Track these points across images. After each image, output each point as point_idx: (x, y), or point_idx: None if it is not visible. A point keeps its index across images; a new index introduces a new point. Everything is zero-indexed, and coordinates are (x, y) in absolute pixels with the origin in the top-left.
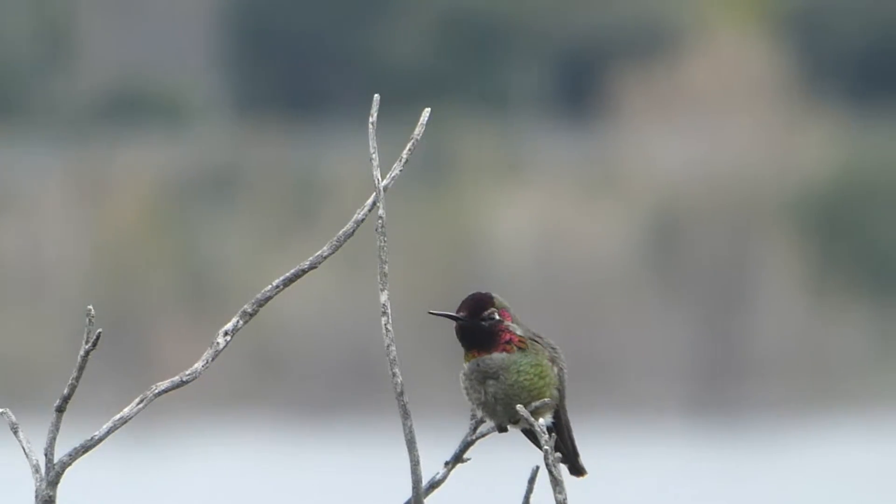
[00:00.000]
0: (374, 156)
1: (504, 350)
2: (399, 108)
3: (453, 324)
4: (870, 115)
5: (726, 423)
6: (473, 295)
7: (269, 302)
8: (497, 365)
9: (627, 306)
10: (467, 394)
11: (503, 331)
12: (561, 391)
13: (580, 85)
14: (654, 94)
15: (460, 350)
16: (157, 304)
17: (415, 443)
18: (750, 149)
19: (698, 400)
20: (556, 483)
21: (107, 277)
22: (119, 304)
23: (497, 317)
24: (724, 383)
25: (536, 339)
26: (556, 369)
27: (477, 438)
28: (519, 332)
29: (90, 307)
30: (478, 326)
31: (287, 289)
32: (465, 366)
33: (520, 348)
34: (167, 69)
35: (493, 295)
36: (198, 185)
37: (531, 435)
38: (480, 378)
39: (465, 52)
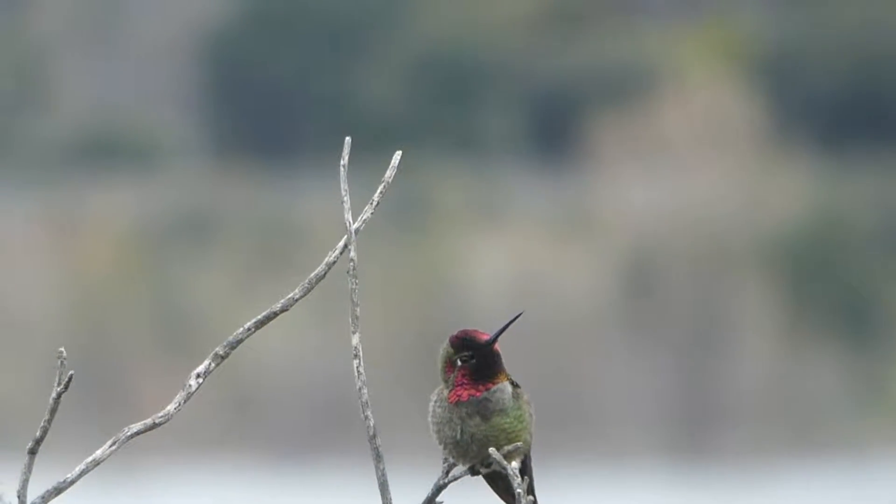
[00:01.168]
0: (345, 198)
1: (503, 381)
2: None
3: (434, 362)
4: (841, 160)
5: (702, 467)
6: (475, 330)
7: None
8: (501, 405)
9: (602, 350)
10: (438, 429)
11: (493, 362)
12: (531, 438)
13: (555, 129)
14: (629, 138)
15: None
16: (131, 346)
17: (387, 486)
18: (723, 193)
19: (673, 444)
20: None
21: (80, 320)
22: (93, 347)
23: (494, 345)
24: (700, 428)
25: (512, 383)
26: (529, 413)
27: (449, 482)
28: (500, 366)
29: (62, 349)
30: (497, 356)
31: (262, 331)
32: (450, 402)
33: (505, 384)
34: (140, 111)
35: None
36: (171, 228)
37: (492, 480)
38: (469, 413)
39: (440, 96)
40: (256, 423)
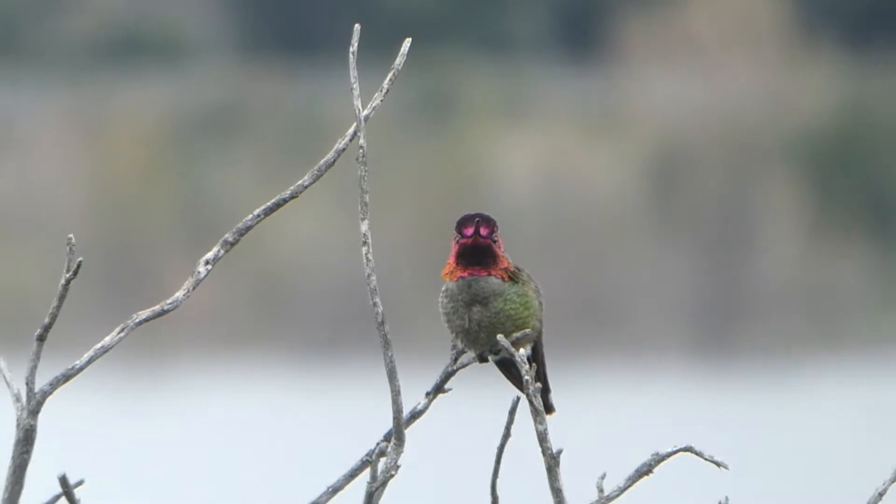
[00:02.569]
0: (354, 86)
1: (500, 276)
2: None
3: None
4: (868, 56)
5: (727, 362)
6: (482, 214)
7: (275, 242)
8: (490, 290)
9: (629, 246)
10: (447, 318)
11: (502, 256)
12: (540, 324)
13: (583, 26)
14: (657, 35)
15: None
16: (158, 240)
17: (395, 373)
18: (750, 90)
19: (699, 339)
20: (537, 413)
21: (107, 215)
22: (121, 242)
23: (495, 232)
24: (726, 322)
25: (521, 270)
26: (538, 301)
27: (458, 369)
28: (505, 256)
29: (71, 236)
30: (488, 244)
31: (291, 227)
32: (451, 285)
33: (510, 278)
34: (167, 8)
35: (492, 221)
36: (198, 124)
37: (505, 367)
38: (467, 301)
39: None
40: (284, 319)
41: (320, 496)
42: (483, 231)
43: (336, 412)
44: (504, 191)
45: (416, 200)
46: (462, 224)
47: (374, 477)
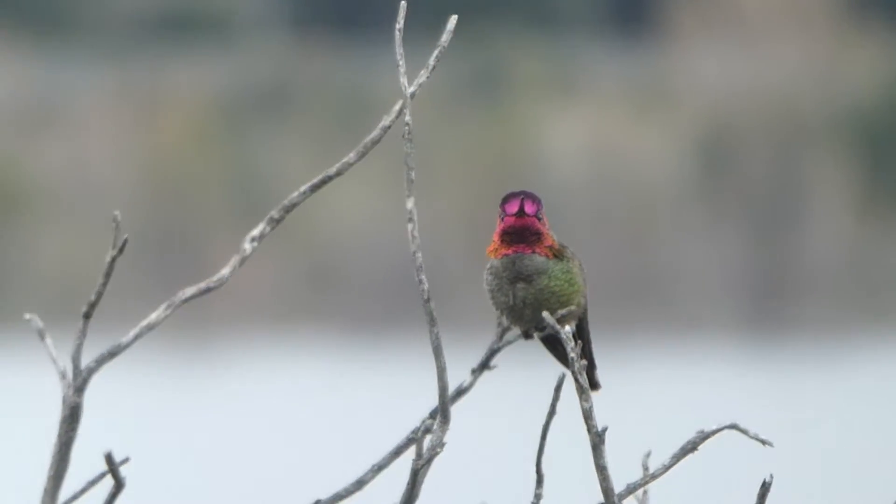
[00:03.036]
0: (400, 63)
1: (544, 253)
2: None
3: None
4: None
5: (775, 341)
6: (526, 192)
7: (330, 220)
8: (535, 267)
9: (677, 224)
10: (492, 295)
11: (546, 234)
12: (585, 302)
13: (632, 4)
14: (706, 13)
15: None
16: (209, 218)
17: (441, 349)
18: (799, 69)
19: (747, 317)
20: (583, 391)
21: (156, 193)
22: (168, 219)
23: (541, 211)
24: (775, 300)
25: (565, 247)
26: (582, 278)
27: (503, 346)
28: (550, 235)
29: (116, 213)
30: (533, 221)
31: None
32: (495, 262)
33: (555, 256)
34: None
35: (538, 199)
36: (248, 101)
37: (551, 344)
38: (512, 278)
39: None
40: (332, 295)
41: (365, 474)
42: (528, 208)
43: (383, 389)
44: (552, 168)
45: (463, 178)
46: (507, 201)
47: (419, 454)
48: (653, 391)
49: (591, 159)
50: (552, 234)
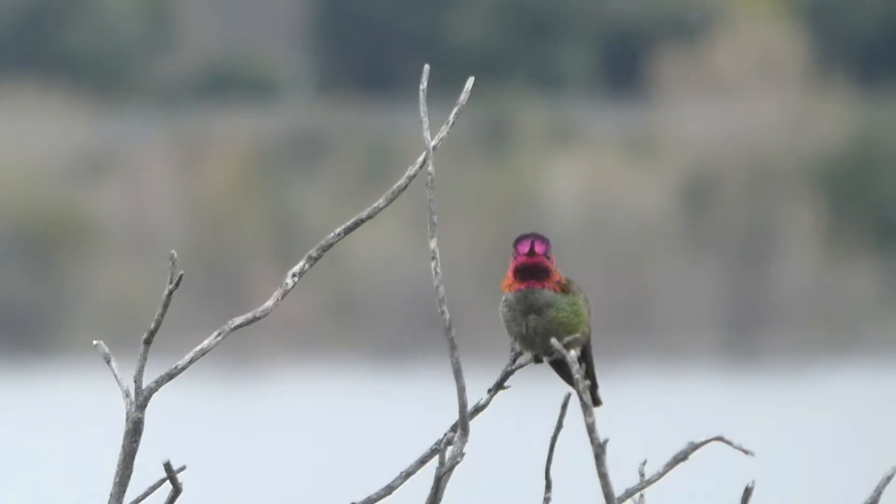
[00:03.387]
0: (424, 119)
1: (553, 288)
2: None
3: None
4: (876, 90)
5: (750, 364)
6: (536, 233)
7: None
8: (544, 300)
9: (664, 260)
10: (507, 325)
11: (554, 271)
12: (589, 330)
13: (622, 62)
14: (688, 71)
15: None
16: (248, 254)
17: (461, 372)
18: (771, 120)
19: (726, 343)
20: (586, 407)
21: (204, 233)
22: (215, 256)
23: (549, 251)
24: (749, 329)
25: (571, 282)
26: (587, 310)
27: (516, 368)
28: (556, 271)
29: (173, 252)
30: (544, 261)
31: (368, 245)
32: (510, 296)
33: (562, 290)
34: (257, 48)
35: (547, 240)
36: (283, 151)
37: (558, 366)
38: (524, 310)
39: (522, 34)
40: (359, 324)
41: (394, 480)
42: (538, 248)
43: (407, 408)
44: (553, 210)
45: (475, 219)
46: (519, 242)
47: (442, 463)
48: (646, 408)
49: (587, 202)
50: (559, 270)
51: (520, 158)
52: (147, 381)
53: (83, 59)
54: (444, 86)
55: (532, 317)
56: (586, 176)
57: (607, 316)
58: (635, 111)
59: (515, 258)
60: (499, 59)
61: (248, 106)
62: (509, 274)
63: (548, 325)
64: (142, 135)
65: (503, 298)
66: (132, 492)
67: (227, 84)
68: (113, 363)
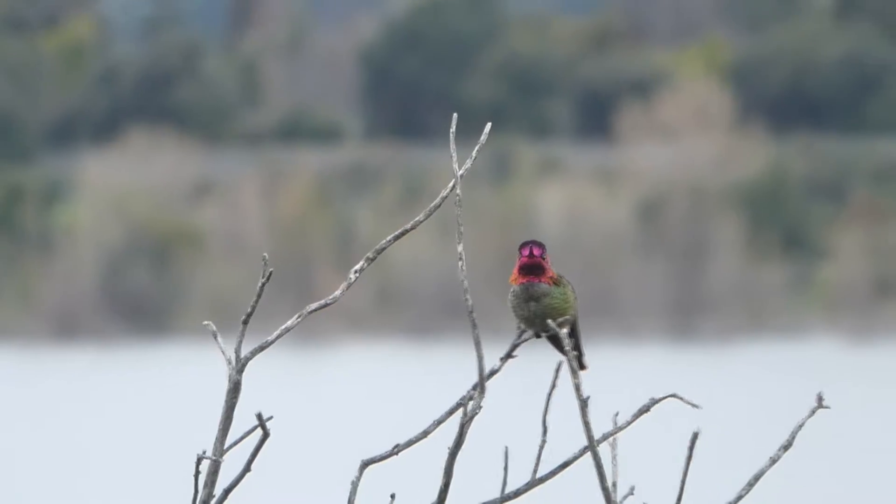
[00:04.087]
0: (453, 154)
1: (547, 282)
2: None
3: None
4: (783, 135)
5: (691, 339)
6: (535, 241)
7: (397, 257)
8: (541, 291)
9: (625, 261)
10: (514, 310)
11: (549, 269)
12: (576, 312)
13: (595, 113)
14: (643, 120)
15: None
16: (317, 257)
17: (480, 344)
18: (705, 157)
19: (672, 324)
20: (574, 372)
21: (285, 241)
22: (293, 259)
23: (545, 254)
24: (689, 313)
25: (562, 277)
26: (573, 297)
27: (521, 342)
28: (552, 269)
29: (265, 255)
30: (541, 261)
31: (409, 248)
32: (516, 288)
33: (554, 283)
34: (323, 102)
35: (543, 245)
36: (342, 180)
37: (553, 340)
38: (526, 298)
39: (519, 91)
40: (401, 309)
41: (428, 426)
42: (535, 252)
43: (438, 372)
44: (543, 223)
45: (486, 231)
46: (522, 247)
47: (465, 414)
48: (613, 373)
49: (568, 218)
50: (552, 268)
51: (518, 185)
52: (244, 352)
53: (193, 110)
54: (462, 130)
55: (532, 304)
56: (567, 198)
57: (582, 303)
58: (604, 150)
59: (519, 259)
60: (501, 109)
61: (316, 146)
62: (515, 271)
63: (544, 310)
64: (236, 168)
65: (511, 290)
66: (232, 436)
67: (299, 129)
68: (219, 338)
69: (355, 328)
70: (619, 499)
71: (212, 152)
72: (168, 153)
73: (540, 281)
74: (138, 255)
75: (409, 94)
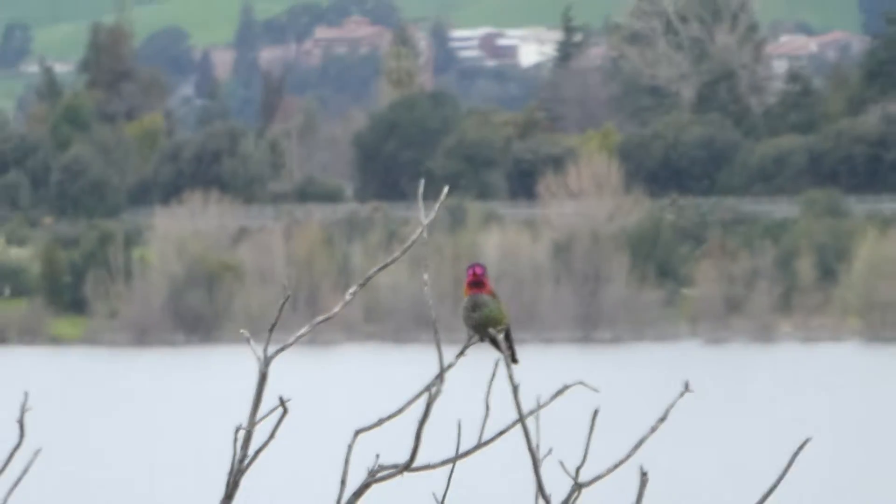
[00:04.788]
0: (420, 209)
1: (487, 293)
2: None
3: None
4: (659, 197)
5: (592, 346)
6: (478, 263)
7: (380, 283)
8: (483, 301)
9: (545, 286)
10: (464, 320)
11: (488, 283)
12: (509, 322)
13: (524, 180)
14: (558, 185)
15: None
16: (322, 283)
17: (440, 346)
18: (602, 213)
19: (578, 334)
20: (508, 366)
21: (300, 271)
22: (305, 284)
23: (486, 276)
24: (590, 325)
25: (497, 295)
26: (506, 311)
27: (470, 344)
28: (491, 287)
29: (285, 282)
30: (483, 278)
31: (382, 272)
32: (465, 300)
33: (492, 296)
34: (328, 170)
35: (485, 268)
36: (344, 228)
37: (494, 343)
38: (472, 307)
39: (468, 164)
40: (381, 321)
41: (403, 405)
42: (478, 271)
43: (409, 368)
44: (486, 258)
45: (444, 265)
46: (469, 267)
47: (430, 396)
48: (532, 371)
49: (502, 255)
50: (491, 284)
51: (467, 232)
52: (270, 352)
53: (234, 179)
54: (427, 193)
55: (476, 312)
56: (502, 241)
57: (513, 316)
58: (529, 207)
59: (467, 276)
60: (456, 178)
61: (322, 204)
62: (465, 286)
63: (486, 319)
64: (265, 220)
65: (463, 302)
66: (260, 413)
67: (310, 192)
68: (252, 342)
69: (350, 335)
70: (540, 457)
71: (247, 209)
72: (215, 209)
73: (481, 292)
74: (194, 284)
75: (390, 167)
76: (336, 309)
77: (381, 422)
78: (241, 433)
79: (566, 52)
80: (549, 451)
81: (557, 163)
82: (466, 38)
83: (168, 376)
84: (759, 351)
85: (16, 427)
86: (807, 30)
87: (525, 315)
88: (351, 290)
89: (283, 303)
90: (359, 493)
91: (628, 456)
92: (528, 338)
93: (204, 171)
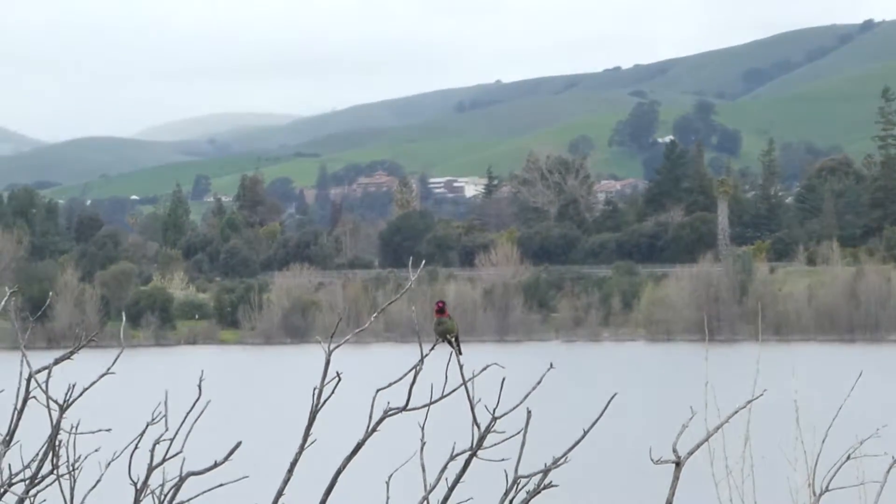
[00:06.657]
0: (412, 276)
1: (447, 317)
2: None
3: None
4: (539, 266)
5: (505, 345)
6: (442, 300)
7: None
8: (444, 320)
9: (478, 313)
10: (434, 330)
11: (447, 312)
12: (458, 331)
13: (468, 257)
14: (487, 260)
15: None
16: (361, 311)
17: (421, 344)
18: (509, 274)
19: (497, 339)
20: (457, 356)
21: (349, 307)
22: (351, 315)
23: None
24: (504, 334)
25: (452, 317)
26: (457, 325)
27: (437, 344)
28: (448, 313)
29: (339, 313)
30: (444, 308)
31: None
32: (435, 320)
33: (449, 318)
34: (366, 253)
35: (445, 302)
36: (374, 283)
37: (449, 343)
38: (438, 323)
39: (439, 249)
40: (391, 330)
41: (396, 380)
42: (441, 304)
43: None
44: (447, 298)
45: (424, 301)
46: (436, 303)
47: (415, 373)
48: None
49: (457, 295)
50: (449, 311)
51: (438, 285)
52: (331, 348)
53: (316, 256)
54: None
55: (440, 326)
56: (457, 289)
57: (461, 328)
58: (472, 271)
59: (435, 308)
60: (432, 255)
61: (362, 269)
62: (434, 313)
63: (446, 330)
64: (332, 279)
65: (434, 321)
66: (326, 380)
67: (356, 263)
68: (322, 343)
69: (377, 338)
70: (474, 402)
71: (323, 273)
72: (306, 273)
73: (444, 316)
74: (294, 312)
75: (398, 250)
76: (366, 324)
77: (390, 384)
78: (315, 392)
79: (489, 189)
80: (479, 399)
81: (485, 248)
82: (438, 182)
83: (280, 364)
84: (592, 347)
85: (199, 388)
86: (615, 177)
87: (467, 328)
88: (375, 314)
89: (338, 322)
90: (379, 421)
91: (519, 405)
92: (468, 340)
93: (300, 253)
